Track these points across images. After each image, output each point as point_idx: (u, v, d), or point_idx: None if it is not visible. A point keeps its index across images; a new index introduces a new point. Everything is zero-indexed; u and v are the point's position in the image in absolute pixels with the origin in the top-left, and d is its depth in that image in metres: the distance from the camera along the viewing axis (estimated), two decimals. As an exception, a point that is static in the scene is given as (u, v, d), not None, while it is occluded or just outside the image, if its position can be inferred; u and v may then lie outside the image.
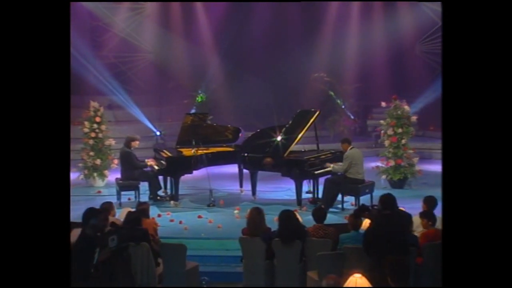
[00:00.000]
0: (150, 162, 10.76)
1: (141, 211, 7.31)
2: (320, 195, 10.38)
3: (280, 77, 17.11)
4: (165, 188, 11.09)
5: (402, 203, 7.30)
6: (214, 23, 17.16)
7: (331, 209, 9.55)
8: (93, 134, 12.11)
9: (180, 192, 10.57)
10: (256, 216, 7.11)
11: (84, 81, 15.75)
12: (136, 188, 10.52)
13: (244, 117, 15.79)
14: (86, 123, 12.15)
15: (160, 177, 10.96)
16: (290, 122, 10.57)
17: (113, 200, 9.50)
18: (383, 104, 12.01)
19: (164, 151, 11.03)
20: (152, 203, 9.98)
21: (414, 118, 11.72)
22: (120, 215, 7.72)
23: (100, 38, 17.43)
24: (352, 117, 16.64)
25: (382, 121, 11.82)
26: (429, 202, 7.29)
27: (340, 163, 10.01)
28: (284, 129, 10.43)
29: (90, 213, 6.08)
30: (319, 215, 7.20)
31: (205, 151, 10.72)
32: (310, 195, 10.68)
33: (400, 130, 11.46)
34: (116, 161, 12.04)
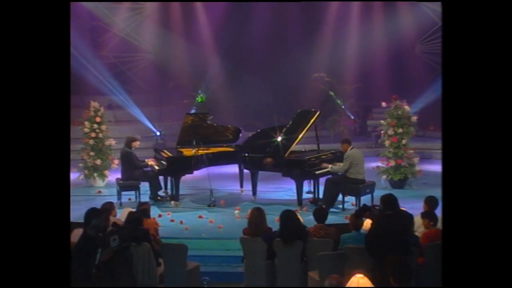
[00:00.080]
0: (151, 162, 10.76)
1: (142, 211, 7.31)
2: (320, 195, 10.38)
3: (280, 77, 17.11)
4: (166, 188, 11.08)
5: (403, 203, 7.29)
6: (214, 23, 17.17)
7: (331, 209, 9.54)
8: (93, 134, 12.10)
9: (181, 192, 10.57)
10: (257, 216, 7.10)
11: (84, 81, 15.76)
12: (136, 188, 10.51)
13: (244, 117, 15.80)
14: (87, 123, 12.14)
15: (161, 177, 10.95)
16: (291, 122, 10.57)
17: (114, 200, 9.49)
18: (384, 104, 12.01)
19: (165, 151, 11.02)
20: (153, 203, 9.98)
21: (414, 118, 11.72)
22: (121, 215, 7.72)
23: (100, 38, 17.45)
24: (352, 117, 16.65)
25: (382, 121, 11.82)
26: (430, 202, 7.30)
27: (340, 164, 10.00)
28: (284, 129, 10.43)
29: (91, 213, 6.08)
30: (320, 215, 7.20)
31: (205, 151, 10.72)
32: (310, 195, 10.68)
33: (400, 130, 11.46)
34: (116, 161, 12.04)
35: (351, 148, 9.99)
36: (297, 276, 6.83)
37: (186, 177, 10.69)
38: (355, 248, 6.43)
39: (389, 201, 6.26)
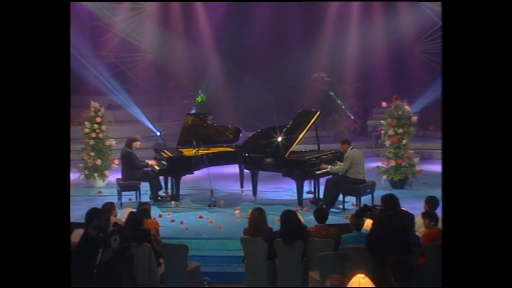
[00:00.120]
0: (151, 162, 10.76)
1: (143, 211, 7.30)
2: (321, 195, 10.38)
3: (280, 77, 17.12)
4: (166, 188, 11.08)
5: (403, 203, 7.29)
6: (214, 23, 17.18)
7: (332, 209, 9.54)
8: (93, 135, 12.10)
9: (181, 192, 10.57)
10: (258, 216, 7.11)
11: (84, 81, 15.75)
12: (137, 189, 10.51)
13: (244, 117, 15.81)
14: (87, 123, 12.14)
15: (161, 178, 10.95)
16: (291, 122, 10.57)
17: (114, 200, 9.48)
18: (384, 104, 12.01)
19: (165, 151, 11.02)
20: (153, 204, 9.97)
21: (414, 118, 11.72)
22: (121, 215, 7.71)
23: (100, 38, 17.45)
24: (352, 117, 16.65)
25: (383, 121, 11.82)
26: (431, 202, 7.30)
27: (340, 164, 10.00)
28: (285, 129, 10.42)
29: (92, 213, 6.08)
30: (320, 215, 7.20)
31: (206, 151, 10.72)
32: (311, 195, 10.68)
33: (400, 130, 11.47)
34: (116, 162, 12.04)
35: (351, 148, 9.99)
36: (298, 276, 6.83)
37: (187, 177, 10.69)
38: (356, 248, 6.43)
39: (390, 201, 6.26)
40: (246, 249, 7.06)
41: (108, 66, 16.89)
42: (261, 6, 17.31)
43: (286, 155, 10.21)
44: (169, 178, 10.99)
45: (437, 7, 15.78)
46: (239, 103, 16.57)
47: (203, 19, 17.35)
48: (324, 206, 8.53)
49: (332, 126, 16.28)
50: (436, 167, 12.27)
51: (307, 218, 8.05)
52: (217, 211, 10.14)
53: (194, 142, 10.62)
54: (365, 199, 9.66)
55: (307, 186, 10.71)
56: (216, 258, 8.25)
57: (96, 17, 17.06)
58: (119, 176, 10.84)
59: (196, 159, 10.44)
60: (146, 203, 8.28)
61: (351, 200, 10.09)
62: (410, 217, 6.74)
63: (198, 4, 17.37)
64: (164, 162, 10.53)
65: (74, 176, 11.73)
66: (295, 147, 10.40)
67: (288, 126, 10.48)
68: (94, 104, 12.24)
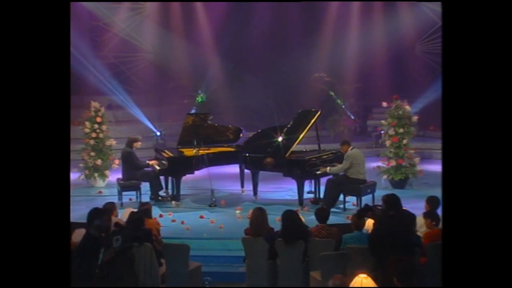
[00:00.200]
0: (152, 162, 10.76)
1: (144, 211, 7.31)
2: (321, 195, 10.37)
3: (280, 77, 17.12)
4: (166, 188, 11.08)
5: (404, 203, 7.29)
6: (214, 23, 17.18)
7: (332, 209, 9.52)
8: (94, 135, 12.08)
9: (182, 192, 10.56)
10: (259, 216, 7.10)
11: (84, 81, 15.76)
12: (137, 189, 10.50)
13: (244, 117, 15.82)
14: (87, 123, 12.13)
15: (161, 177, 10.94)
16: (291, 122, 10.57)
17: (114, 200, 9.47)
18: (384, 104, 12.01)
19: (166, 151, 11.01)
20: (154, 203, 9.96)
21: (415, 118, 11.72)
22: (122, 215, 7.71)
23: (100, 38, 17.45)
24: (352, 117, 16.64)
25: (383, 121, 11.82)
26: (432, 202, 7.29)
27: (339, 164, 10.00)
28: (285, 129, 10.43)
29: (94, 213, 6.08)
30: (322, 215, 7.20)
31: (206, 151, 10.72)
32: (311, 195, 10.68)
33: (401, 130, 11.47)
34: (117, 162, 12.04)
35: (352, 148, 9.99)
36: (299, 276, 6.83)
37: (187, 177, 10.68)
38: (357, 248, 6.42)
39: (392, 201, 6.26)
40: (247, 249, 7.06)
41: (108, 66, 16.89)
42: (261, 6, 17.31)
43: (287, 155, 10.21)
44: (170, 178, 10.98)
45: (437, 7, 15.78)
46: (239, 103, 16.57)
47: (203, 19, 17.35)
48: (324, 206, 8.54)
49: (332, 126, 16.28)
50: (436, 167, 12.27)
51: (307, 218, 8.05)
52: (217, 211, 10.14)
53: (195, 142, 10.62)
54: (366, 199, 9.65)
55: (308, 186, 10.71)
56: (217, 258, 8.24)
57: (96, 17, 17.06)
58: (120, 176, 10.83)
59: (196, 159, 10.44)
60: (147, 203, 8.30)
61: (351, 200, 10.09)
62: (412, 217, 6.74)
63: (198, 4, 17.37)
64: (165, 162, 10.53)
65: (74, 176, 11.73)
66: (295, 147, 10.40)
67: (289, 126, 10.48)
68: (95, 104, 12.23)
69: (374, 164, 12.04)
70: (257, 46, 17.26)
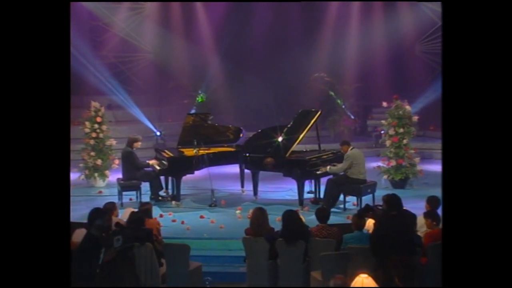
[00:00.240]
0: (152, 162, 10.75)
1: (144, 211, 7.31)
2: (321, 195, 10.37)
3: (280, 77, 17.13)
4: (166, 188, 11.07)
5: (404, 203, 7.25)
6: (214, 23, 17.18)
7: (333, 209, 9.50)
8: (94, 134, 12.08)
9: (182, 192, 10.56)
10: (259, 216, 7.10)
11: (84, 81, 15.75)
12: (137, 189, 10.49)
13: (244, 117, 15.82)
14: (87, 123, 12.12)
15: (161, 177, 10.94)
16: (292, 122, 10.57)
17: (114, 200, 9.46)
18: (385, 104, 12.01)
19: (166, 151, 11.01)
20: (154, 203, 9.95)
21: (415, 118, 11.72)
22: (122, 215, 7.72)
23: (100, 38, 17.45)
24: (352, 117, 16.65)
25: (383, 121, 11.82)
26: (433, 202, 7.29)
27: (339, 164, 10.00)
28: (285, 129, 10.42)
29: (95, 213, 6.08)
30: (322, 215, 7.20)
31: (206, 151, 10.72)
32: (311, 195, 10.68)
33: (401, 130, 11.47)
34: (117, 162, 12.04)
35: (352, 148, 10.00)
36: (300, 276, 6.82)
37: (187, 177, 10.67)
38: (357, 248, 6.42)
39: (393, 201, 6.26)
40: (248, 249, 7.06)
41: (108, 66, 16.89)
42: (261, 6, 17.33)
43: (287, 155, 10.20)
44: (170, 178, 10.98)
45: (437, 7, 15.79)
46: (239, 103, 16.58)
47: (203, 19, 17.36)
48: (324, 206, 8.54)
49: (332, 126, 16.29)
50: (437, 167, 12.28)
51: (308, 218, 8.05)
52: (218, 211, 10.14)
53: (195, 142, 10.62)
54: (366, 199, 9.65)
55: (308, 186, 10.71)
56: (218, 258, 8.23)
57: (96, 17, 17.06)
58: (120, 176, 10.83)
59: (196, 159, 10.43)
60: (147, 203, 8.29)
61: (351, 200, 10.08)
62: (413, 217, 6.73)
63: (198, 4, 17.38)
64: (165, 162, 10.53)
65: (74, 176, 11.73)
66: (295, 147, 10.39)
67: (289, 126, 10.48)
68: (95, 104, 12.23)
69: (374, 164, 12.04)
70: (257, 46, 17.28)
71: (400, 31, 16.95)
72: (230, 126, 11.59)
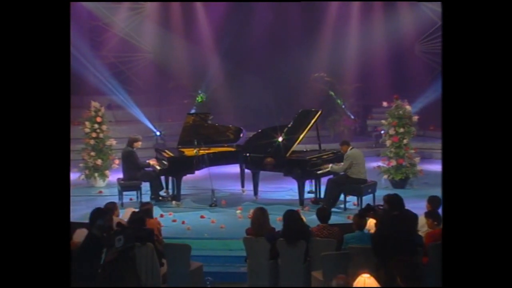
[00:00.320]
0: (152, 162, 10.75)
1: (145, 211, 7.30)
2: (322, 195, 10.37)
3: (280, 77, 17.14)
4: (167, 188, 11.07)
5: (405, 203, 7.27)
6: (214, 23, 17.18)
7: (333, 209, 9.50)
8: (94, 134, 12.07)
9: (182, 192, 10.56)
10: (260, 216, 7.10)
11: (84, 81, 15.74)
12: (138, 189, 10.49)
13: (244, 117, 15.82)
14: (87, 123, 12.12)
15: (162, 177, 10.93)
16: (292, 122, 10.57)
17: (115, 200, 9.45)
18: (385, 104, 12.01)
19: (166, 151, 11.01)
20: (154, 203, 9.94)
21: (415, 118, 11.72)
22: (123, 215, 7.72)
23: (100, 38, 17.44)
24: (352, 117, 16.65)
25: (383, 121, 11.82)
26: (434, 202, 7.29)
27: (340, 164, 10.00)
28: (286, 129, 10.42)
29: (97, 213, 6.08)
30: (323, 215, 7.20)
31: (207, 151, 10.71)
32: (312, 195, 10.68)
33: (401, 130, 11.47)
34: (117, 161, 12.04)
35: (351, 148, 10.00)
36: (301, 276, 6.82)
37: (187, 177, 10.67)
38: (358, 248, 6.42)
39: (395, 201, 6.26)
40: (249, 249, 7.06)
41: (108, 66, 16.89)
42: (261, 6, 17.33)
43: (287, 154, 10.20)
44: (170, 178, 10.97)
45: (437, 7, 15.79)
46: (239, 103, 16.58)
47: (203, 19, 17.35)
48: (325, 206, 8.54)
49: (332, 126, 16.30)
50: (437, 167, 12.28)
51: (308, 218, 8.05)
52: (218, 211, 10.13)
53: (195, 142, 10.62)
54: (366, 199, 9.66)
55: (308, 185, 10.70)
56: (219, 258, 8.23)
57: (96, 17, 17.05)
58: (120, 176, 10.83)
59: (197, 159, 10.43)
60: (148, 203, 8.29)
61: (352, 199, 10.08)
62: (414, 217, 6.73)
63: (198, 4, 17.37)
64: (165, 162, 10.53)
65: (74, 176, 11.73)
66: (296, 146, 10.39)
67: (289, 126, 10.48)
68: (95, 104, 12.22)
69: (375, 164, 12.04)
70: (257, 46, 17.28)
71: (400, 31, 16.94)
72: (230, 126, 11.58)
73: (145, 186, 10.67)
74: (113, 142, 12.30)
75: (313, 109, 10.92)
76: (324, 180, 10.41)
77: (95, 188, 11.95)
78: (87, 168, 12.10)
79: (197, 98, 16.80)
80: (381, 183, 11.10)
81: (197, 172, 10.60)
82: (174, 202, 10.45)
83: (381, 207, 6.72)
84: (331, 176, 10.14)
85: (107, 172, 12.14)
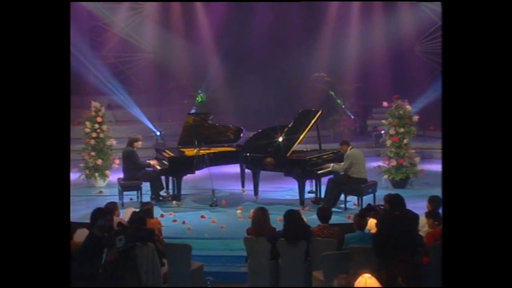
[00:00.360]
0: (152, 162, 10.75)
1: (146, 211, 7.30)
2: (322, 195, 10.37)
3: (280, 77, 17.15)
4: (167, 188, 11.07)
5: (405, 202, 7.29)
6: (214, 23, 17.18)
7: (333, 209, 9.48)
8: (94, 134, 12.08)
9: (182, 192, 10.56)
10: (261, 216, 7.09)
11: (84, 81, 15.75)
12: (138, 188, 10.48)
13: (244, 117, 15.81)
14: (88, 123, 12.12)
15: (162, 177, 10.92)
16: (293, 122, 10.57)
17: (115, 200, 9.44)
18: (385, 104, 12.01)
19: (166, 151, 11.01)
20: (155, 203, 9.94)
21: (416, 118, 11.72)
22: (124, 215, 7.72)
23: (100, 38, 17.44)
24: (352, 117, 16.66)
25: (384, 121, 11.82)
26: (434, 201, 7.28)
27: (341, 164, 10.00)
28: (286, 129, 10.42)
29: (98, 213, 6.08)
30: (324, 215, 7.20)
31: (207, 151, 10.71)
32: (312, 195, 10.68)
33: (402, 130, 11.47)
34: (117, 161, 12.04)
35: (351, 148, 10.00)
36: (301, 276, 6.82)
37: (188, 177, 10.67)
38: (359, 248, 6.42)
39: (397, 201, 6.26)
40: (249, 249, 7.05)
41: (108, 66, 16.89)
42: (261, 6, 17.33)
43: (288, 154, 10.20)
44: (170, 178, 10.97)
45: (437, 7, 15.81)
46: (239, 103, 16.58)
47: (203, 19, 17.35)
48: (325, 206, 8.54)
49: (332, 126, 16.31)
50: (437, 167, 12.27)
51: (309, 217, 8.05)
52: (218, 210, 10.13)
53: (196, 142, 10.61)
54: (367, 199, 9.66)
55: (309, 185, 10.70)
56: (219, 258, 8.22)
57: (96, 17, 17.06)
58: (120, 176, 10.83)
59: (197, 159, 10.43)
60: (148, 203, 8.29)
61: (352, 199, 10.09)
62: (415, 217, 6.73)
63: (198, 4, 17.38)
64: (166, 162, 10.52)
65: (75, 176, 11.74)
66: (296, 146, 10.39)
67: (290, 126, 10.47)
68: (95, 104, 12.22)
69: (375, 164, 12.05)
70: (257, 46, 17.28)
71: (400, 31, 16.96)
72: (231, 126, 11.58)
73: (146, 186, 10.66)
74: (113, 142, 12.30)
75: (313, 109, 10.92)
76: (324, 180, 10.40)
77: (96, 188, 11.95)
78: (87, 168, 12.10)
79: (197, 98, 16.80)
80: (381, 183, 11.10)
81: (197, 172, 10.60)
82: (174, 202, 10.45)
83: (382, 207, 6.72)
84: (331, 176, 10.13)
85: (107, 172, 12.15)
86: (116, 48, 17.47)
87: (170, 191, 10.99)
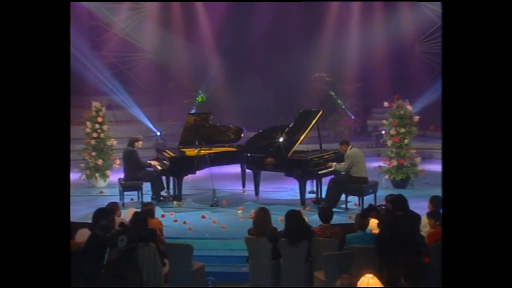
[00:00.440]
0: (153, 162, 10.74)
1: (147, 211, 7.30)
2: (323, 195, 10.37)
3: (280, 77, 17.14)
4: (168, 188, 11.06)
5: (406, 203, 7.30)
6: (215, 23, 17.18)
7: (334, 209, 9.48)
8: (95, 134, 12.07)
9: (183, 192, 10.55)
10: (262, 216, 7.09)
11: (84, 81, 15.75)
12: (139, 189, 10.48)
13: (244, 117, 15.81)
14: (88, 123, 12.11)
15: (163, 177, 10.92)
16: (293, 122, 10.56)
17: (116, 200, 9.43)
18: (386, 104, 12.01)
19: (167, 151, 11.01)
20: (155, 204, 9.92)
21: (416, 118, 11.72)
22: (125, 215, 7.71)
23: (100, 38, 17.44)
24: (352, 117, 16.66)
25: (384, 121, 11.82)
26: (436, 202, 7.28)
27: (342, 163, 10.01)
28: (287, 129, 10.42)
29: (100, 213, 6.08)
30: (325, 215, 7.20)
31: (208, 151, 10.71)
32: (313, 195, 10.68)
33: (402, 130, 11.47)
34: (118, 162, 12.03)
35: (351, 148, 10.01)
36: (303, 276, 6.81)
37: (188, 177, 10.65)
38: (361, 248, 6.43)
39: (399, 202, 6.26)
40: (250, 249, 7.05)
41: (108, 66, 16.89)
42: (261, 6, 17.33)
43: (289, 155, 10.20)
44: (171, 178, 10.97)
45: (437, 7, 15.82)
46: (239, 103, 16.58)
47: (203, 19, 17.35)
48: (326, 206, 8.54)
49: (332, 126, 16.30)
50: (437, 167, 12.28)
51: (310, 218, 8.06)
52: (219, 211, 10.13)
53: (196, 142, 10.61)
54: (367, 199, 9.66)
55: (309, 186, 10.70)
56: (220, 258, 8.23)
57: (96, 17, 17.06)
58: (121, 176, 10.82)
59: (198, 159, 10.43)
60: (150, 203, 8.28)
61: (353, 199, 10.09)
62: (417, 217, 6.74)
63: (199, 4, 17.37)
64: (166, 162, 10.52)
65: (75, 176, 11.74)
66: (297, 147, 10.39)
67: (291, 126, 10.47)
68: (96, 104, 12.21)
69: (375, 164, 12.05)
70: (257, 46, 17.28)
71: (400, 31, 16.95)
72: (231, 126, 11.58)
73: (146, 186, 10.66)
74: (114, 142, 12.29)
75: (314, 110, 10.91)
76: (325, 180, 10.40)
77: (96, 188, 11.94)
78: (88, 168, 12.09)
79: (198, 98, 16.81)
80: (382, 183, 11.11)
81: (198, 172, 10.60)
82: (175, 202, 10.44)
83: (383, 207, 6.72)
84: (332, 176, 10.13)
85: (108, 172, 12.14)
86: (116, 48, 17.46)
87: (171, 191, 10.98)
